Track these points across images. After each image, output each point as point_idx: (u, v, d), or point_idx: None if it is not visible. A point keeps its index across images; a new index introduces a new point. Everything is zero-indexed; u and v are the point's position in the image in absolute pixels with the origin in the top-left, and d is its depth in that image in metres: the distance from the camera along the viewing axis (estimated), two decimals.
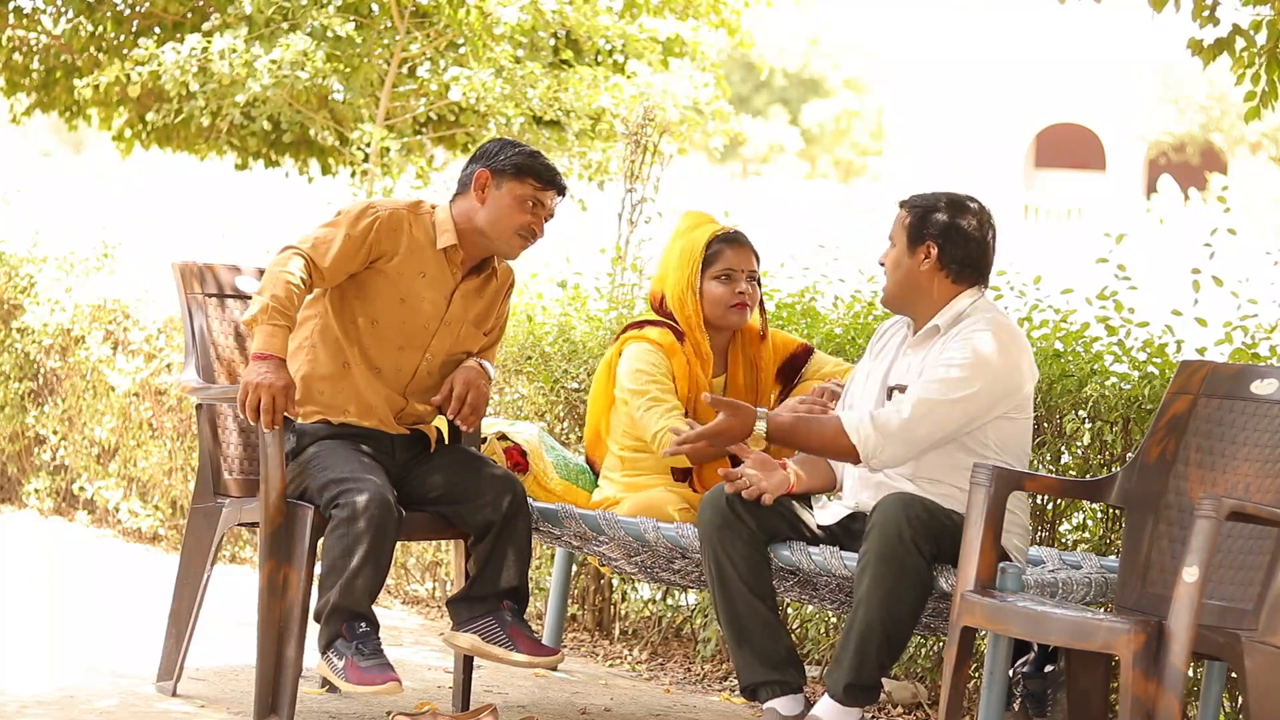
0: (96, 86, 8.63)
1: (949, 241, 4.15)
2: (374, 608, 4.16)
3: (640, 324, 4.62)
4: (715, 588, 4.11)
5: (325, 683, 4.68)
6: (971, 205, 4.20)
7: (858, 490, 4.20)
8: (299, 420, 4.34)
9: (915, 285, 4.16)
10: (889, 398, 4.13)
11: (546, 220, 4.39)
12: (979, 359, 4.01)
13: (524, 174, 4.34)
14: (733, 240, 4.59)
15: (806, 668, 5.00)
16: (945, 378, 4.01)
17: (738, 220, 5.45)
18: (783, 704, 4.08)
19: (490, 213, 4.34)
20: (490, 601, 4.31)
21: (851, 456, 4.05)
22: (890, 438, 4.01)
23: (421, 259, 4.34)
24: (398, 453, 4.39)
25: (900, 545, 3.86)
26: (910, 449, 4.02)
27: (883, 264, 4.22)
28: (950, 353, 4.04)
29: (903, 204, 4.24)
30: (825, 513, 4.27)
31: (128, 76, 8.45)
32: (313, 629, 4.18)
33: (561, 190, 4.42)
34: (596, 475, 4.70)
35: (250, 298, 4.67)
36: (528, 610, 5.33)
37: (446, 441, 4.53)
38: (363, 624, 4.10)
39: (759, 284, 4.62)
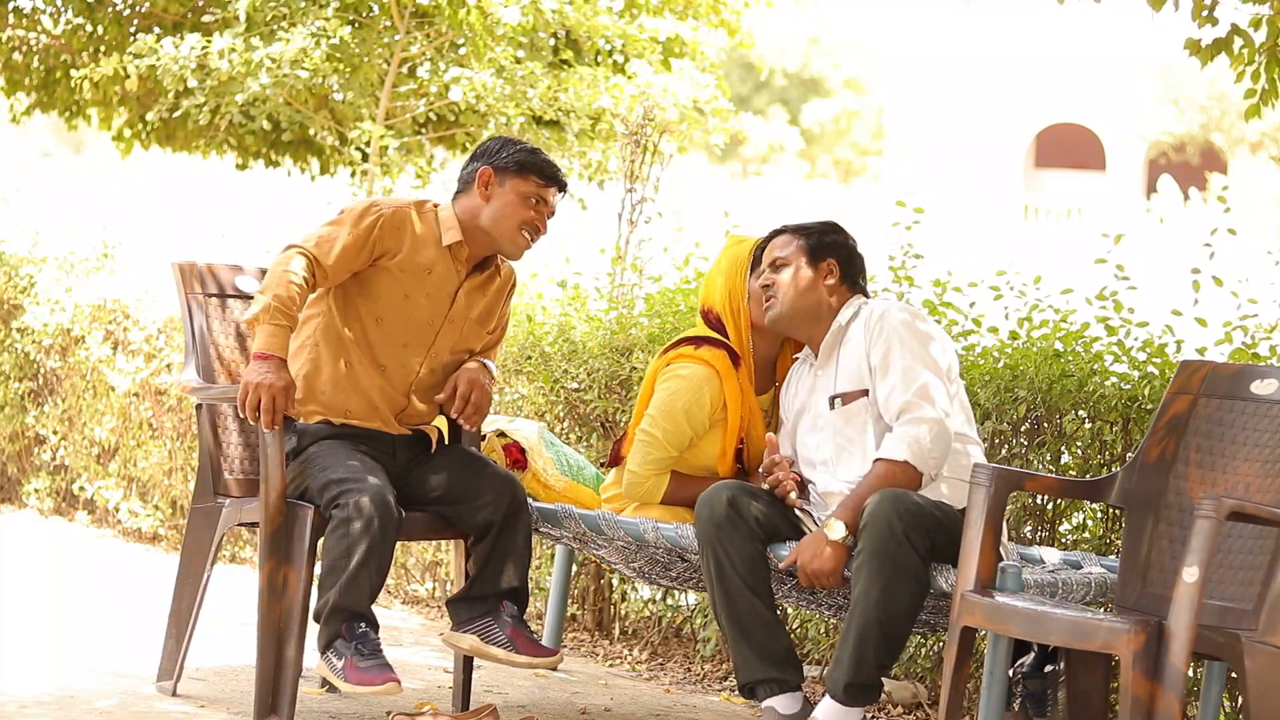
0: (94, 81, 8.63)
1: (844, 258, 4.33)
2: (374, 608, 4.16)
3: (695, 340, 4.44)
4: (714, 586, 4.12)
5: (325, 682, 4.68)
6: (843, 229, 4.42)
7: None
8: (300, 420, 4.34)
9: (815, 301, 4.28)
10: (831, 407, 4.20)
11: (549, 217, 4.41)
12: (892, 319, 4.15)
13: (527, 170, 4.35)
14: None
15: (806, 668, 5.00)
16: (907, 355, 4.10)
17: (738, 220, 5.46)
18: (781, 702, 4.08)
19: (494, 210, 4.35)
20: (490, 602, 4.31)
21: (915, 480, 4.05)
22: (925, 433, 4.03)
23: (426, 256, 4.34)
24: (398, 453, 4.39)
25: (893, 541, 3.87)
26: (944, 429, 4.05)
27: (768, 286, 4.30)
28: (879, 345, 4.15)
29: (781, 231, 4.38)
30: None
31: (125, 71, 8.45)
32: (313, 629, 4.18)
33: (563, 186, 4.43)
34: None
35: (252, 297, 4.67)
36: (528, 610, 5.33)
37: (447, 441, 4.53)
38: (362, 624, 4.10)
39: None
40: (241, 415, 4.17)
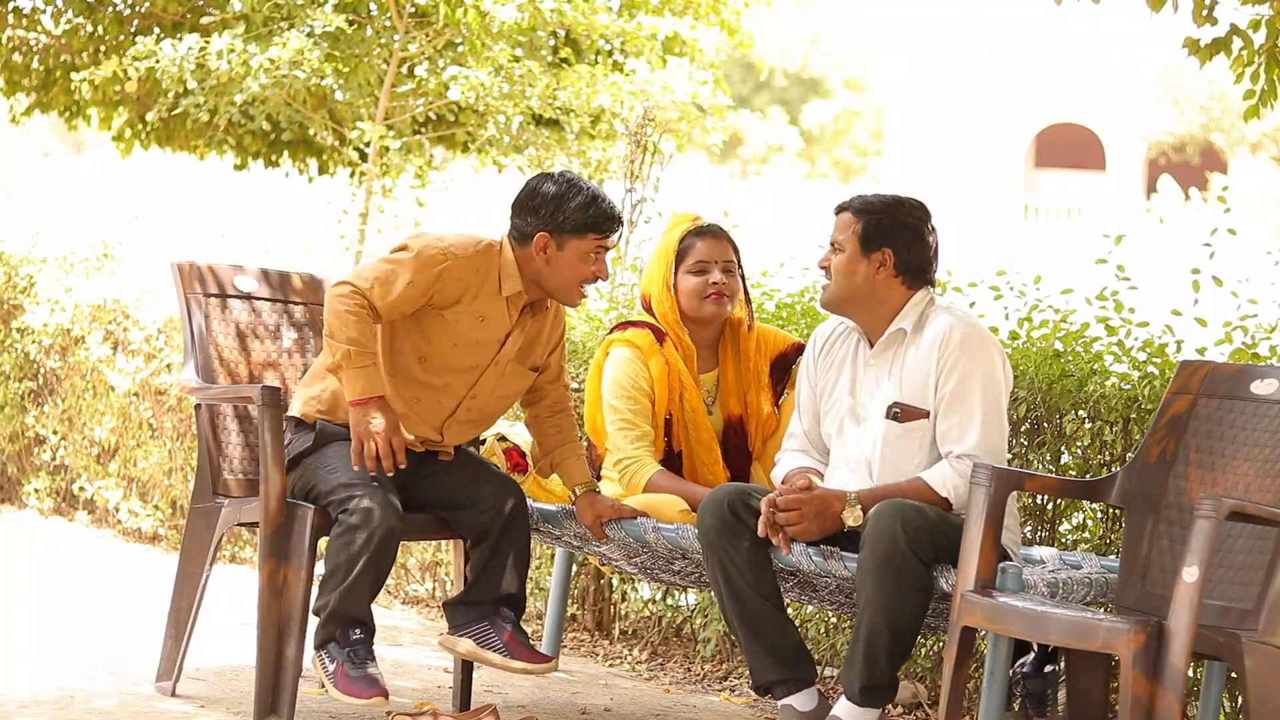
0: (94, 82, 8.62)
1: (904, 246, 4.14)
2: (374, 606, 4.17)
3: (625, 324, 4.65)
4: (722, 590, 4.11)
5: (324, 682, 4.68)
6: (918, 208, 4.20)
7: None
8: (321, 420, 4.30)
9: (869, 291, 4.15)
10: (888, 416, 4.11)
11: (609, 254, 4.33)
12: (973, 350, 4.03)
13: (586, 230, 4.23)
14: (704, 233, 4.60)
15: None
16: (980, 404, 4.01)
17: (738, 220, 5.46)
18: (798, 700, 4.10)
19: (556, 273, 4.24)
20: (487, 607, 4.31)
21: (946, 507, 4.04)
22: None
23: (483, 304, 4.25)
24: (406, 459, 4.37)
25: (897, 553, 3.86)
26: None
27: (824, 267, 4.19)
28: (953, 376, 4.03)
29: (846, 208, 4.20)
30: None
31: (125, 72, 8.45)
32: (313, 629, 4.18)
33: (621, 225, 4.32)
34: (598, 469, 4.69)
35: (249, 297, 4.66)
36: (527, 610, 5.33)
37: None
38: (358, 630, 4.12)
39: (739, 276, 4.62)
40: (355, 466, 4.11)
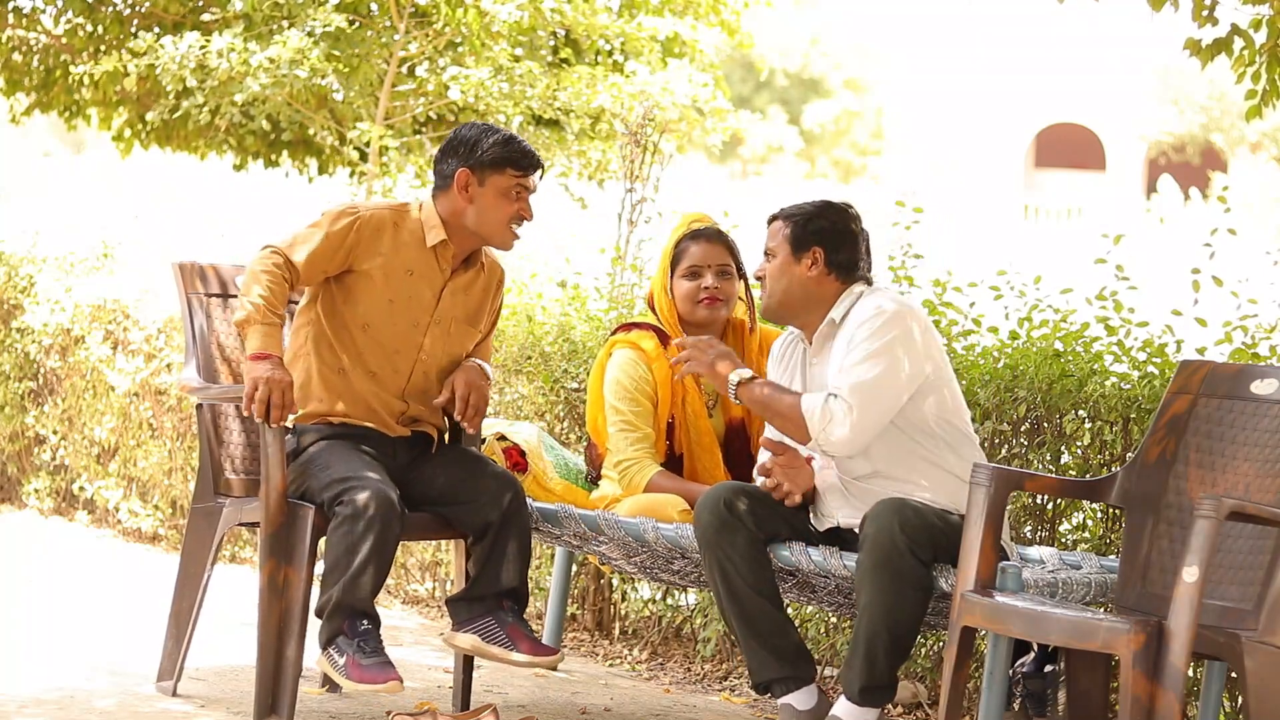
0: (94, 79, 8.62)
1: (832, 244, 4.21)
2: (374, 605, 4.16)
3: (629, 326, 4.66)
4: (720, 589, 4.11)
5: (325, 682, 4.68)
6: (844, 208, 4.27)
7: (839, 505, 4.19)
8: (298, 423, 4.34)
9: (804, 293, 4.20)
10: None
11: (531, 195, 4.40)
12: (883, 323, 4.05)
13: (503, 165, 4.34)
14: (699, 236, 4.61)
15: None
16: (867, 354, 4.04)
17: (738, 220, 5.45)
18: (797, 698, 4.10)
19: (478, 211, 4.35)
20: (490, 601, 4.31)
21: (802, 434, 4.07)
22: (838, 423, 4.02)
23: (408, 257, 4.35)
24: (398, 454, 4.39)
25: (895, 553, 3.86)
26: (860, 434, 4.03)
27: (760, 278, 4.26)
28: (857, 337, 4.08)
29: (775, 217, 4.29)
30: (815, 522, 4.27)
31: (125, 68, 8.45)
32: (313, 629, 4.19)
33: (541, 167, 4.41)
34: (598, 468, 4.69)
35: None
36: (528, 610, 5.33)
37: (448, 440, 4.53)
38: (365, 621, 4.10)
39: (740, 278, 4.62)
40: (247, 414, 4.18)
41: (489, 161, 4.33)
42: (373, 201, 4.46)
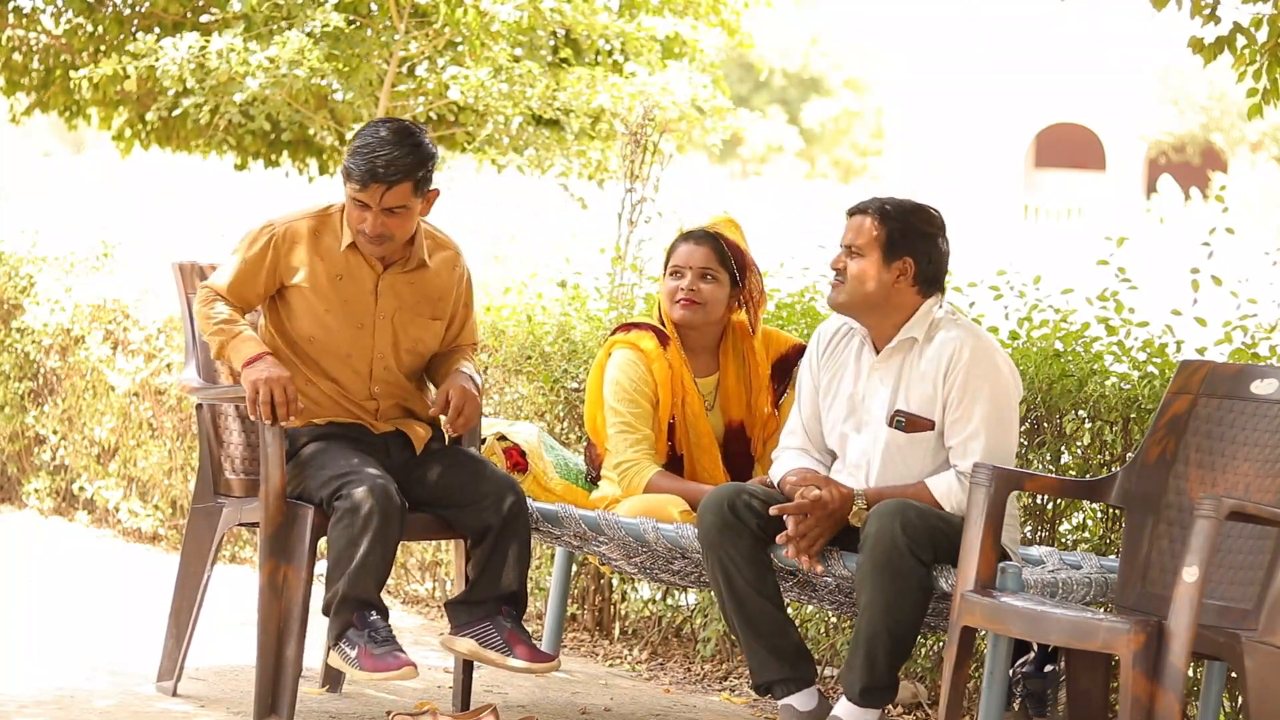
0: (94, 81, 8.62)
1: (924, 256, 4.13)
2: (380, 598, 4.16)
3: (628, 326, 4.66)
4: (722, 590, 4.11)
5: (325, 682, 4.68)
6: (936, 216, 4.19)
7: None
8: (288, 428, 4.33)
9: (883, 298, 4.12)
10: (891, 423, 4.10)
11: (391, 211, 4.19)
12: (982, 366, 4.02)
13: (347, 177, 4.22)
14: (689, 238, 4.62)
15: None
16: (985, 418, 4.00)
17: (738, 220, 5.45)
18: (798, 699, 4.10)
19: (348, 218, 4.31)
20: (488, 606, 4.30)
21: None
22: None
23: (334, 262, 4.31)
24: (393, 452, 4.38)
25: (896, 554, 3.86)
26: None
27: (838, 269, 4.14)
28: (961, 393, 4.02)
29: (863, 211, 4.16)
30: None
31: (125, 71, 8.45)
32: (313, 629, 4.19)
33: (385, 182, 4.15)
34: (597, 468, 4.68)
35: None
36: (528, 609, 5.33)
37: (448, 441, 4.52)
38: (373, 612, 4.10)
39: (733, 281, 4.59)
40: (253, 419, 4.17)
41: (344, 170, 4.24)
42: (293, 211, 4.38)
